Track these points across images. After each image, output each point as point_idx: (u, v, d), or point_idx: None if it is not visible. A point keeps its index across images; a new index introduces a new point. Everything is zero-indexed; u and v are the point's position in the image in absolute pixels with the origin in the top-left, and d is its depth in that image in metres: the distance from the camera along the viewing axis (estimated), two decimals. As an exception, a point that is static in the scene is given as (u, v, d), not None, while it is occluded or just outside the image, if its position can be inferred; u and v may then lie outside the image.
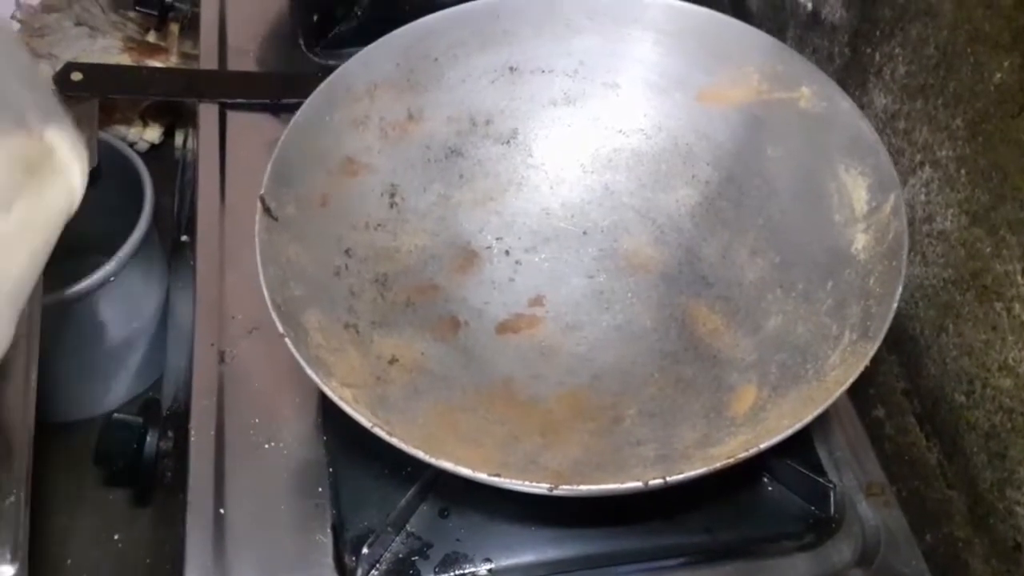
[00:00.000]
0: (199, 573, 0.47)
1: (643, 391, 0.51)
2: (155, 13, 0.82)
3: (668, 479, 0.39)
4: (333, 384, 0.43)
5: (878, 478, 0.53)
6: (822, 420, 0.48)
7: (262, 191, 0.47)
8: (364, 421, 0.40)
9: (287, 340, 0.42)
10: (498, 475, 0.39)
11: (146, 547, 0.65)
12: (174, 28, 0.86)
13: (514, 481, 0.39)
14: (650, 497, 0.39)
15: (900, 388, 0.56)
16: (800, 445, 0.51)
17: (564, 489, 0.39)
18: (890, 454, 0.55)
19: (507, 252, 0.57)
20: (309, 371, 0.42)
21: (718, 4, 0.76)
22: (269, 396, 0.53)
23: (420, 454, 0.39)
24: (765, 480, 0.50)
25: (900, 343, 0.55)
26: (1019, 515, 0.46)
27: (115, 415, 0.53)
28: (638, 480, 0.39)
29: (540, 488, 0.39)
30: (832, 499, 0.49)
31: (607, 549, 0.48)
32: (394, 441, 0.40)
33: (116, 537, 0.64)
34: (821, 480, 0.49)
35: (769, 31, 0.70)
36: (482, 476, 0.39)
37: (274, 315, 0.43)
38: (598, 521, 0.48)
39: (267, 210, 0.47)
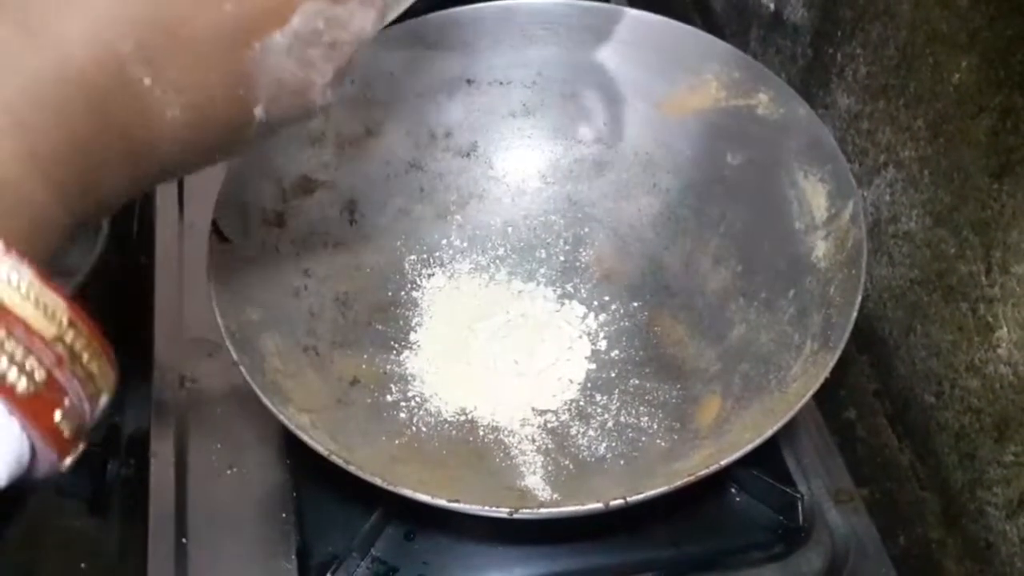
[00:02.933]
0: (162, 604, 0.46)
1: (609, 404, 0.50)
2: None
3: (629, 499, 0.38)
4: (290, 411, 0.42)
5: (847, 485, 0.52)
6: (789, 428, 0.47)
7: (213, 214, 0.47)
8: (320, 449, 0.40)
9: (241, 368, 0.42)
10: (457, 501, 0.39)
11: (113, 576, 0.64)
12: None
13: (473, 506, 0.39)
14: (617, 511, 0.38)
15: (871, 389, 0.55)
16: (767, 454, 0.50)
17: (524, 513, 0.39)
18: (862, 456, 0.55)
19: (471, 266, 0.57)
20: (264, 399, 0.41)
21: (682, 6, 0.76)
22: (231, 420, 0.52)
23: (377, 481, 0.39)
24: (733, 491, 0.50)
25: (870, 344, 0.55)
26: (990, 515, 0.46)
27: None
28: (599, 502, 0.38)
29: (500, 513, 0.39)
30: (800, 509, 0.49)
31: (575, 566, 0.47)
32: (351, 469, 0.39)
33: (83, 566, 0.63)
34: (788, 490, 0.49)
35: (733, 32, 0.70)
36: (441, 502, 0.38)
37: (228, 342, 0.43)
38: (565, 538, 0.47)
39: (219, 232, 0.46)
